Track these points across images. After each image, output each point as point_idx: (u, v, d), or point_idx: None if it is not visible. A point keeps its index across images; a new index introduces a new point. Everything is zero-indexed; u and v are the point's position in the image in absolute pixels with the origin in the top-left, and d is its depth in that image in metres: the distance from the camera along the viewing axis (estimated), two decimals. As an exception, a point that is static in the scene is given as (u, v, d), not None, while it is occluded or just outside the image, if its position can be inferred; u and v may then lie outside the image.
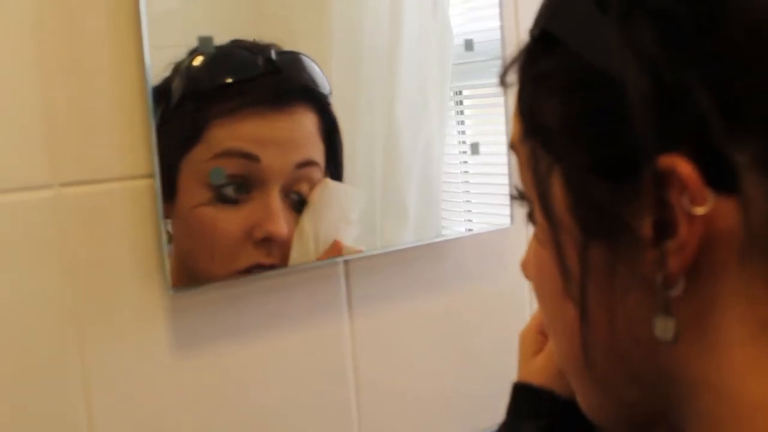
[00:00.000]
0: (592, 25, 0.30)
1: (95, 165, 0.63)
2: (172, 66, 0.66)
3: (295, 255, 0.72)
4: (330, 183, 0.74)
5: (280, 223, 0.71)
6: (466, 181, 0.86)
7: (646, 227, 0.29)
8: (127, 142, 0.64)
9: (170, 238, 0.67)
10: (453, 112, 0.85)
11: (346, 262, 0.77)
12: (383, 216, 0.79)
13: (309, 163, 0.73)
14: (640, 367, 0.33)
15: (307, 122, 0.73)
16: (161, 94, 0.65)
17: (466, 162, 0.86)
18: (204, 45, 0.66)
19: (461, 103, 0.85)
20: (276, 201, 0.70)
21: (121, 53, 0.63)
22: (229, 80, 0.69)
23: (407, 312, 0.83)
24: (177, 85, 0.66)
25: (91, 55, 0.62)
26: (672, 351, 0.31)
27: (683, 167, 0.28)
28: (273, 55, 0.71)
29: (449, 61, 0.82)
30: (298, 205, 0.73)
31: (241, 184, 0.69)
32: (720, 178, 0.28)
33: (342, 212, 0.76)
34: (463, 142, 0.85)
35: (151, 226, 0.65)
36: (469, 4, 0.84)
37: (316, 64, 0.73)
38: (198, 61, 0.67)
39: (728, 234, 0.28)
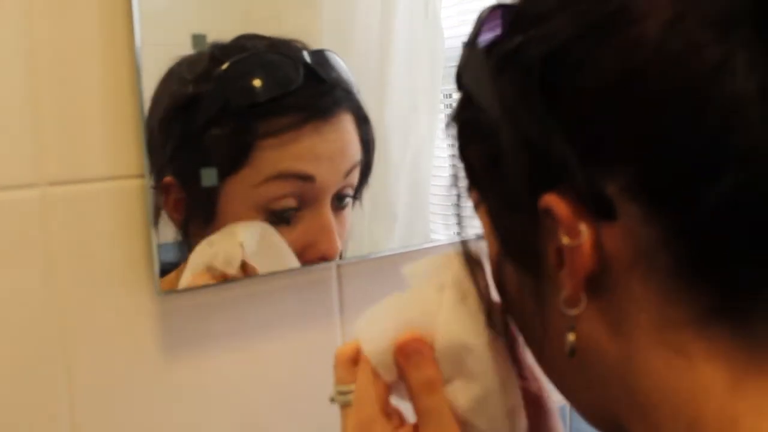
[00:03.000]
0: (482, 80, 0.34)
1: (83, 164, 0.61)
2: (200, 72, 0.63)
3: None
4: None
5: (335, 242, 0.70)
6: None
7: (551, 254, 0.32)
8: (118, 140, 0.62)
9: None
10: (443, 116, 0.85)
11: (338, 266, 0.76)
12: (372, 221, 0.78)
13: (354, 167, 0.72)
14: (591, 372, 0.35)
15: (349, 126, 0.71)
16: (184, 103, 0.62)
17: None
18: (198, 43, 0.64)
19: (452, 106, 0.85)
20: (329, 218, 0.69)
21: (111, 50, 0.62)
22: (274, 95, 0.65)
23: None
24: (210, 97, 0.63)
25: (81, 51, 0.60)
26: (598, 361, 0.33)
27: (558, 205, 0.30)
28: (307, 58, 0.67)
29: (440, 65, 0.82)
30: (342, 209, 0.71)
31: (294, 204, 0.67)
32: (598, 208, 0.30)
33: None
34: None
35: (141, 228, 0.64)
36: (464, 6, 0.84)
37: (339, 57, 0.71)
38: (231, 68, 0.63)
39: (620, 255, 0.31)
